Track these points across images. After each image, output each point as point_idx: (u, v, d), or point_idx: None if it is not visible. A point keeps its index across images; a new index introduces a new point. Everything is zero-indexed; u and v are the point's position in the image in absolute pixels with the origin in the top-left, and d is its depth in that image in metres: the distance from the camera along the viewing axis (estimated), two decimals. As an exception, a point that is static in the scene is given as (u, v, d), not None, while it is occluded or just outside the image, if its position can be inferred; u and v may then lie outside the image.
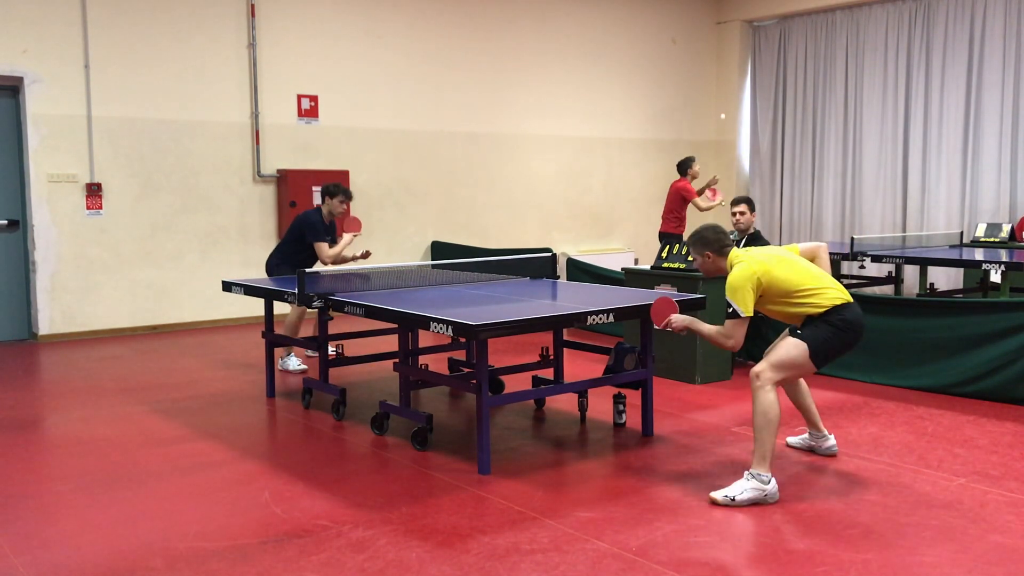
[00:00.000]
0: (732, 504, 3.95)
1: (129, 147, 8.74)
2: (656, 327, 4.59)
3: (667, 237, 9.30)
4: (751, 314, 4.14)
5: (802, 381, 4.62)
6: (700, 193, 9.60)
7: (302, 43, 9.67)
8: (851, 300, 4.23)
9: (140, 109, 8.76)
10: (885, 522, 3.77)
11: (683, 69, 13.03)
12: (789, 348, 4.14)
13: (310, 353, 7.43)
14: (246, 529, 3.76)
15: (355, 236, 7.12)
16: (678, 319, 4.42)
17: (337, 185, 7.11)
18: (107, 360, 7.49)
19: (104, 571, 3.37)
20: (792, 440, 4.87)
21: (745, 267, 4.16)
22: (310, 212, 7.12)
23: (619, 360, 5.15)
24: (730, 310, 4.15)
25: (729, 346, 4.23)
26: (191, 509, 4.01)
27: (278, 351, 6.97)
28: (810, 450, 4.76)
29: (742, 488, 3.99)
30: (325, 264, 7.05)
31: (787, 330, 4.36)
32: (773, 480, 4.03)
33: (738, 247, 6.83)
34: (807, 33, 12.54)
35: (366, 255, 7.38)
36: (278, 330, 6.48)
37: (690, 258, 4.49)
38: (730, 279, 4.19)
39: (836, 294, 4.19)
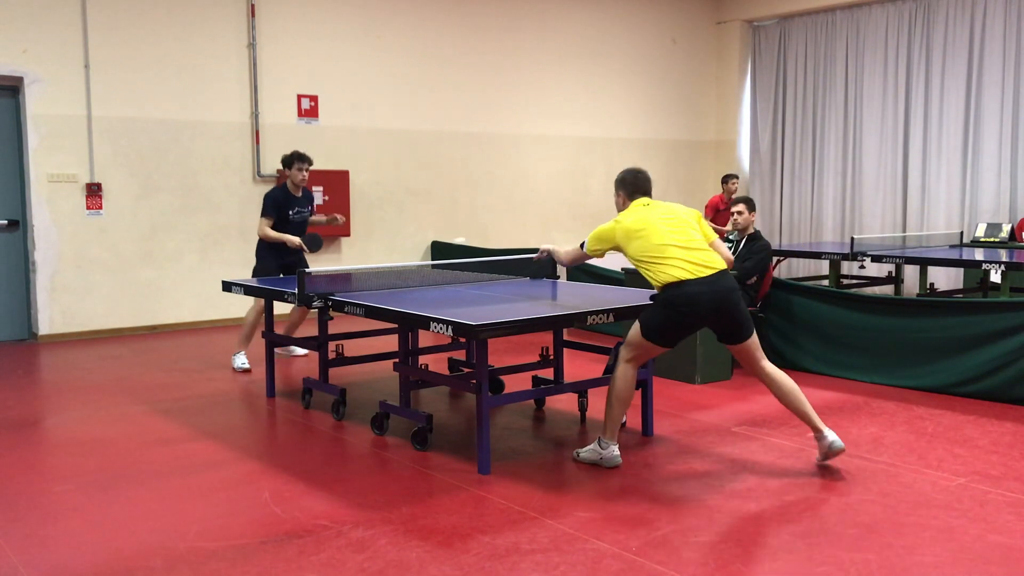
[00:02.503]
0: (576, 460, 4.56)
1: (129, 147, 8.74)
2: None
3: None
4: (588, 252, 4.71)
5: (781, 378, 4.47)
6: (725, 208, 10.22)
7: (302, 43, 9.67)
8: (685, 278, 4.28)
9: (140, 109, 8.76)
10: (885, 522, 3.77)
11: (683, 69, 13.03)
12: (632, 330, 4.47)
13: (297, 351, 7.46)
14: (246, 529, 3.76)
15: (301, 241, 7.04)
16: (542, 249, 5.27)
17: (292, 153, 7.04)
18: (107, 360, 7.49)
19: (104, 571, 3.37)
20: (819, 458, 4.58)
21: (613, 224, 4.54)
22: (274, 188, 7.18)
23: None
24: (583, 240, 4.72)
25: (562, 262, 5.08)
26: (191, 509, 4.01)
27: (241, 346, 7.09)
28: (826, 459, 4.51)
29: (589, 448, 4.56)
30: (259, 236, 7.04)
31: None
32: (612, 448, 4.46)
33: (737, 247, 6.91)
34: (807, 33, 12.54)
35: (333, 221, 7.26)
36: (278, 330, 6.48)
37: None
38: (600, 226, 4.62)
39: (674, 272, 4.29)
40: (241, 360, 6.98)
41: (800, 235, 12.69)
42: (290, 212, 7.04)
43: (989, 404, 5.68)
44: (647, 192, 4.66)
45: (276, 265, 6.97)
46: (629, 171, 4.72)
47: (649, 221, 4.45)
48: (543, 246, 5.28)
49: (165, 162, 8.93)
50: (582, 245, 4.76)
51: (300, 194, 7.12)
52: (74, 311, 8.51)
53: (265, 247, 7.02)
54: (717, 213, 10.43)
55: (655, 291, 4.46)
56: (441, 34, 10.65)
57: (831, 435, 4.47)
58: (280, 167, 9.44)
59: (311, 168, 7.16)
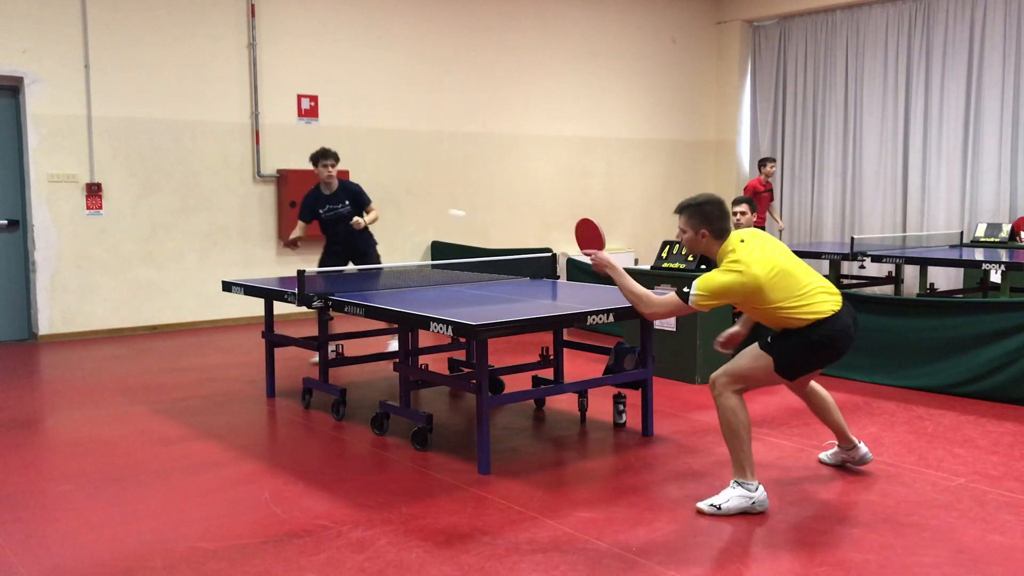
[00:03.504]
0: (719, 513, 3.82)
1: (129, 147, 8.74)
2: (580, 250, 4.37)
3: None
4: (701, 310, 3.86)
5: (822, 391, 4.34)
6: (765, 190, 10.49)
7: (302, 43, 9.67)
8: (837, 309, 3.86)
9: (140, 109, 8.76)
10: (885, 522, 3.77)
11: (683, 69, 13.03)
12: (753, 359, 3.88)
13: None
14: (246, 529, 3.76)
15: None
16: (599, 258, 4.09)
17: (316, 152, 7.06)
18: (107, 360, 7.49)
19: (104, 571, 3.37)
20: (824, 456, 4.56)
21: (738, 276, 3.75)
22: (309, 190, 7.25)
23: (619, 360, 5.15)
24: (685, 289, 3.80)
25: (646, 314, 3.95)
26: (191, 509, 4.01)
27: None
28: (842, 464, 4.46)
29: (728, 496, 3.85)
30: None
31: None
32: (761, 488, 3.87)
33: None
34: (807, 33, 12.54)
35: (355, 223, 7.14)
36: (277, 329, 6.47)
37: (678, 227, 4.00)
38: (715, 276, 3.79)
39: (824, 306, 3.83)
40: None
41: (800, 235, 12.69)
42: (320, 211, 7.10)
43: (989, 404, 5.68)
44: (730, 229, 3.94)
45: (332, 257, 7.16)
46: (710, 202, 3.91)
47: (777, 261, 3.82)
48: (597, 257, 4.15)
49: (165, 162, 8.93)
50: (683, 295, 3.82)
51: (331, 191, 7.11)
52: (74, 311, 8.51)
53: (325, 243, 7.26)
54: (756, 195, 10.44)
55: (781, 331, 3.89)
56: (441, 34, 10.65)
57: (863, 448, 4.42)
58: (280, 168, 9.49)
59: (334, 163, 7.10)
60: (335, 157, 7.05)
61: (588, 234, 4.24)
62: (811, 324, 3.81)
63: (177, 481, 4.40)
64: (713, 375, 3.95)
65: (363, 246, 7.23)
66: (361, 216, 6.99)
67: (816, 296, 3.85)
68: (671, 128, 12.98)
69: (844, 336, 3.88)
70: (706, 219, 3.88)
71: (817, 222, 12.54)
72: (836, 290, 3.97)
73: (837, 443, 4.45)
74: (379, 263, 7.22)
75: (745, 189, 10.95)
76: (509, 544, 3.56)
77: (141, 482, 4.38)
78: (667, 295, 3.93)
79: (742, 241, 3.86)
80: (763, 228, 10.16)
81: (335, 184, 7.09)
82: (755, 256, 3.80)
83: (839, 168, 12.29)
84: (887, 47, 11.67)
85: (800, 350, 3.87)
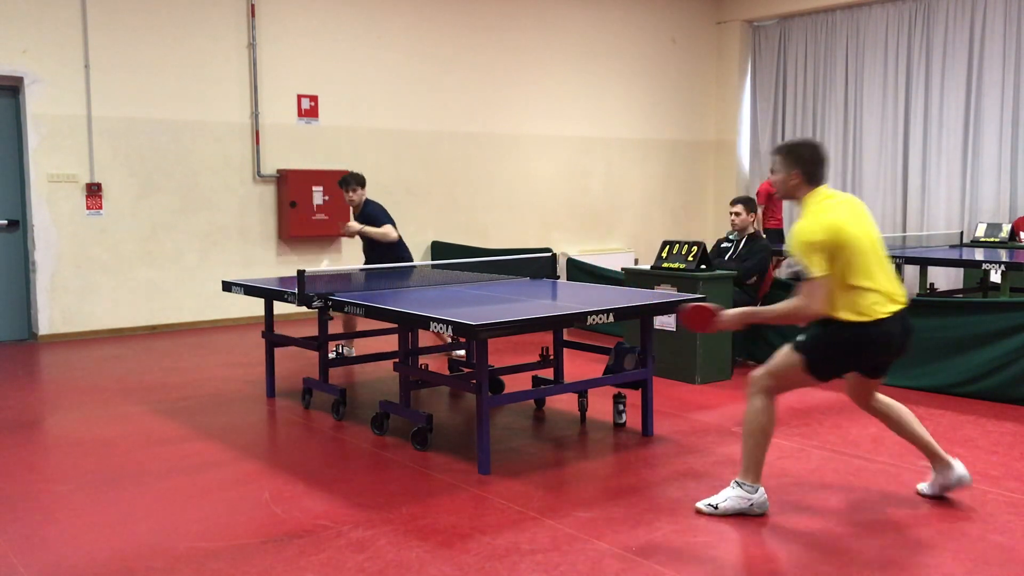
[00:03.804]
0: (715, 513, 3.79)
1: (129, 147, 8.74)
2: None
3: (768, 233, 10.15)
4: (824, 273, 3.51)
5: (896, 406, 4.00)
6: (770, 199, 10.44)
7: (302, 43, 9.66)
8: (885, 316, 3.60)
9: (140, 109, 8.76)
10: (885, 522, 3.76)
11: (683, 69, 13.03)
12: (785, 356, 3.77)
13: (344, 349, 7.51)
14: (246, 529, 3.76)
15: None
16: (729, 317, 3.87)
17: (344, 176, 7.17)
18: (107, 360, 7.49)
19: (104, 571, 3.37)
20: (923, 488, 4.04)
21: (825, 222, 3.56)
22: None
23: (619, 360, 5.15)
24: (800, 270, 3.58)
25: (811, 312, 3.59)
26: (191, 509, 4.01)
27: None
28: (943, 491, 3.98)
29: (726, 496, 3.82)
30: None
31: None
32: (761, 490, 3.81)
33: (737, 247, 6.91)
34: (807, 33, 12.54)
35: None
36: (278, 329, 6.47)
37: (771, 169, 3.81)
38: (798, 228, 3.62)
39: (874, 309, 3.59)
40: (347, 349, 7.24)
41: (800, 235, 12.67)
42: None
43: (989, 404, 5.68)
44: (824, 178, 3.72)
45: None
46: (806, 144, 3.75)
47: (861, 229, 3.63)
48: (727, 319, 3.88)
49: (165, 162, 8.93)
50: (806, 277, 3.55)
51: (358, 213, 7.24)
52: (74, 311, 8.51)
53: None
54: (770, 197, 10.43)
55: (826, 322, 3.64)
56: (441, 34, 10.65)
57: (959, 467, 3.95)
58: (280, 168, 9.48)
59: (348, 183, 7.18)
60: (354, 182, 7.13)
61: (699, 318, 3.93)
62: (850, 322, 3.59)
63: (177, 481, 4.40)
64: (753, 373, 3.86)
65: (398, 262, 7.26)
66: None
67: (876, 295, 3.60)
68: (671, 128, 12.98)
69: (882, 343, 3.66)
70: (799, 160, 3.70)
71: (817, 222, 12.51)
72: (902, 297, 3.72)
73: (930, 465, 4.01)
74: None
75: (759, 190, 10.89)
76: (509, 544, 3.56)
77: (141, 482, 4.38)
78: (801, 290, 3.62)
79: (836, 198, 3.71)
80: (780, 229, 10.50)
81: (360, 208, 7.20)
82: (843, 213, 3.64)
83: (839, 168, 12.28)
84: (887, 47, 11.67)
85: (829, 348, 3.67)
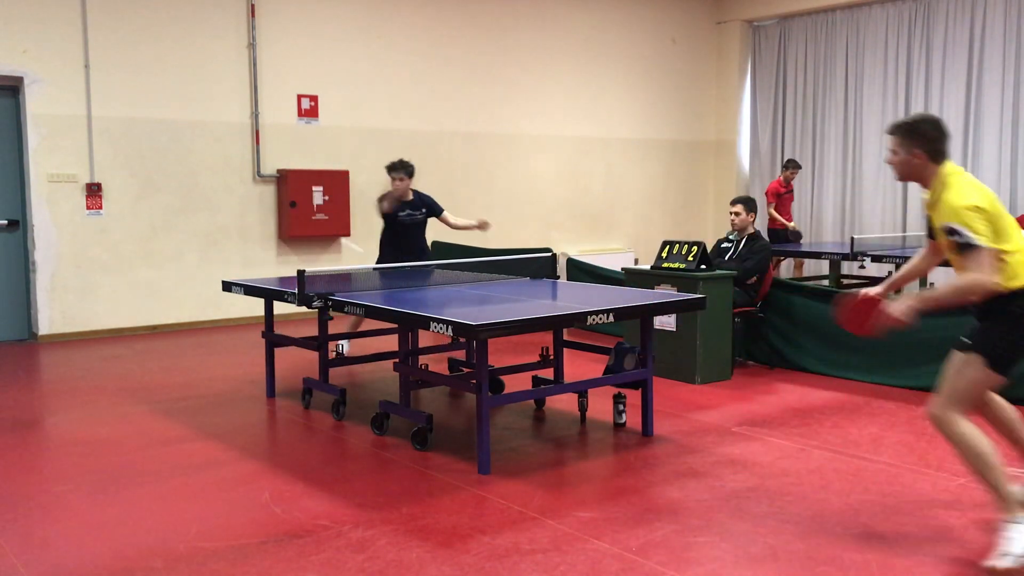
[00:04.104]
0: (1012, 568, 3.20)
1: (129, 147, 8.74)
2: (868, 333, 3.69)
3: (772, 233, 10.62)
4: (989, 240, 3.23)
5: (1004, 404, 3.67)
6: (787, 191, 10.82)
7: (302, 43, 9.66)
8: None
9: (140, 109, 8.76)
10: (885, 522, 3.77)
11: (683, 69, 13.03)
12: (961, 368, 3.38)
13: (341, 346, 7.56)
14: (246, 529, 3.76)
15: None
16: (899, 309, 3.48)
17: (393, 162, 7.26)
18: (107, 360, 7.49)
19: (104, 571, 3.37)
20: (1017, 490, 3.46)
21: (969, 186, 3.33)
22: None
23: (619, 360, 5.15)
24: (960, 240, 3.26)
25: (988, 285, 3.25)
26: (191, 509, 4.01)
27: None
28: None
29: (1012, 538, 3.26)
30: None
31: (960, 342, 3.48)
32: (1016, 495, 3.32)
33: (737, 247, 6.90)
34: (807, 33, 12.54)
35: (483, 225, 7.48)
36: (278, 329, 6.47)
37: (889, 149, 3.53)
38: (951, 198, 3.31)
39: None
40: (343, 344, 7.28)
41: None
42: (400, 213, 7.25)
43: (989, 404, 5.67)
44: (947, 153, 3.47)
45: (395, 258, 7.23)
46: (926, 120, 3.47)
47: (992, 197, 3.40)
48: (898, 311, 3.51)
49: (165, 162, 8.93)
50: (972, 246, 3.25)
51: (410, 198, 7.29)
52: (74, 311, 8.51)
53: (386, 239, 7.37)
54: (778, 196, 10.74)
55: (992, 301, 3.33)
56: (441, 34, 10.65)
57: None
58: (280, 168, 9.48)
59: (399, 175, 7.24)
60: (406, 170, 7.21)
61: (863, 314, 3.63)
62: (1016, 292, 3.29)
63: (177, 481, 4.40)
64: (931, 410, 3.41)
65: (422, 255, 7.45)
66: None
67: (1020, 256, 3.31)
68: (671, 128, 12.98)
69: None
70: (922, 137, 3.43)
71: (817, 222, 12.54)
72: None
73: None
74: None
75: (768, 190, 11.08)
76: (509, 544, 3.56)
77: (141, 482, 4.38)
78: (969, 263, 3.29)
79: (964, 172, 3.48)
80: (787, 229, 10.72)
81: (410, 195, 7.27)
82: (975, 182, 3.42)
83: (839, 168, 12.29)
84: (887, 47, 11.67)
85: (1004, 331, 3.32)
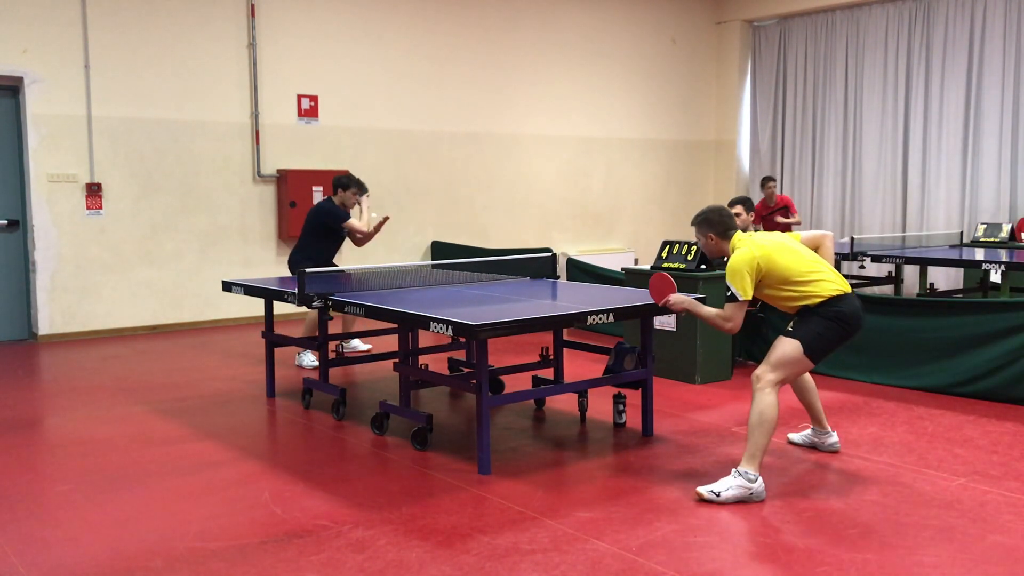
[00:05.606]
0: (716, 500, 3.97)
1: (129, 147, 8.74)
2: (656, 303, 4.59)
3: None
4: (749, 297, 4.16)
5: (808, 378, 4.61)
6: (768, 213, 10.59)
7: (302, 43, 9.67)
8: (849, 291, 4.22)
9: (140, 109, 8.76)
10: (885, 522, 3.77)
11: (683, 69, 13.03)
12: (784, 347, 4.17)
13: (359, 345, 7.58)
14: (246, 529, 3.76)
15: (369, 208, 7.25)
16: (677, 299, 4.46)
17: (349, 176, 7.17)
18: (107, 360, 7.49)
19: (104, 571, 3.37)
20: (794, 436, 4.90)
21: (746, 251, 4.20)
22: (322, 202, 7.20)
23: (619, 360, 5.15)
24: (729, 293, 4.18)
25: (728, 328, 4.25)
26: (191, 509, 4.01)
27: (294, 349, 7.08)
28: (812, 446, 4.80)
29: (728, 485, 4.01)
30: (358, 241, 7.22)
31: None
32: (760, 479, 4.04)
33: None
34: (807, 33, 12.54)
35: (385, 219, 7.28)
36: (278, 329, 6.48)
37: (695, 238, 4.59)
38: (731, 262, 4.22)
39: (833, 285, 4.19)
40: (309, 358, 7.12)
41: (800, 235, 12.69)
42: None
43: (989, 404, 5.68)
44: (734, 228, 4.43)
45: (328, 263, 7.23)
46: (711, 210, 4.48)
47: (779, 241, 4.32)
48: (674, 300, 4.47)
49: (165, 162, 8.93)
50: (732, 298, 4.17)
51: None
52: (74, 311, 8.51)
53: (323, 255, 7.19)
54: (765, 219, 10.60)
55: (790, 320, 4.26)
56: (441, 34, 10.65)
57: (834, 435, 4.78)
58: (280, 168, 9.48)
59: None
60: (364, 190, 7.22)
61: (661, 285, 4.54)
62: (824, 301, 4.15)
63: (177, 481, 4.40)
64: (756, 371, 4.18)
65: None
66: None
67: (827, 276, 4.22)
68: (671, 128, 12.98)
69: (856, 315, 4.19)
70: (709, 225, 4.42)
71: (817, 222, 12.54)
72: (844, 280, 4.30)
73: (811, 426, 4.80)
74: None
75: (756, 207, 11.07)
76: (509, 544, 3.56)
77: (141, 482, 4.38)
78: (726, 308, 4.23)
79: (750, 236, 4.39)
80: (788, 230, 10.55)
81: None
82: (754, 239, 4.30)
83: (839, 168, 12.29)
84: (887, 47, 11.67)
85: (819, 328, 4.15)
